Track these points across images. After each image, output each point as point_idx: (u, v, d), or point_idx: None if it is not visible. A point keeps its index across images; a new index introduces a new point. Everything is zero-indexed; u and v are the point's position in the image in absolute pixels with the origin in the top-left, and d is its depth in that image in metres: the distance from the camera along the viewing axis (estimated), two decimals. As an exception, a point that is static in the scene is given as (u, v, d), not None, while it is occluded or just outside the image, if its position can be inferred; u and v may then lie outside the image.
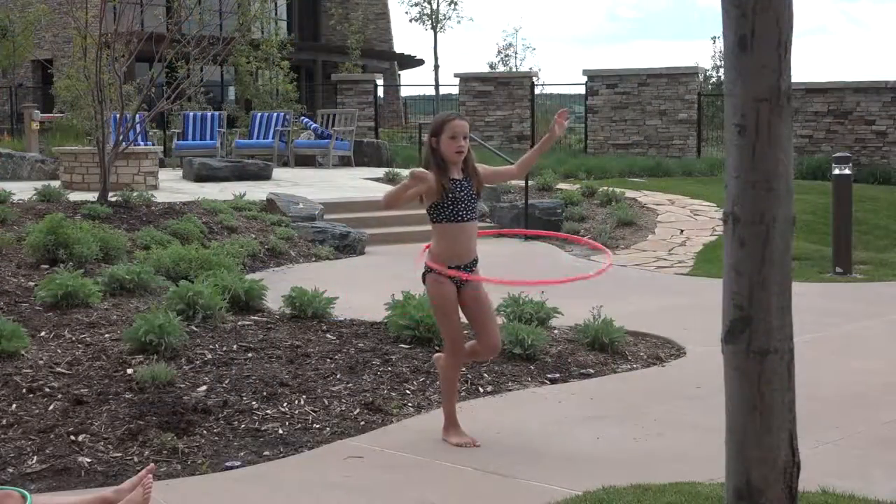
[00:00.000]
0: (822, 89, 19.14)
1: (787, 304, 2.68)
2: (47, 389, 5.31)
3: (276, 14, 30.40)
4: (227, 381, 5.55)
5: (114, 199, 11.34)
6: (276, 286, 7.91)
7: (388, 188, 7.86)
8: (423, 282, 4.80)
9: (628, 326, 6.83)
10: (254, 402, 5.28)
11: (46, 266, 8.21)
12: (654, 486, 4.03)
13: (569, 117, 4.94)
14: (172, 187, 14.46)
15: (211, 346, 6.14)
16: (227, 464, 4.55)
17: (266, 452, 4.71)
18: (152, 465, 3.95)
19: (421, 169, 4.54)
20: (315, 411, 5.23)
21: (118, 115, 12.03)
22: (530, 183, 14.13)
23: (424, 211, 4.79)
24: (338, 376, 5.75)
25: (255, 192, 13.26)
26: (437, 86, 28.03)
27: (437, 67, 28.35)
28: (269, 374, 5.68)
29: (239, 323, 6.80)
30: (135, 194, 11.68)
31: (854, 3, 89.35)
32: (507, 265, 10.16)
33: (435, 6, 28.56)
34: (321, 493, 4.22)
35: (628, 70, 20.90)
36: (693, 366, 6.31)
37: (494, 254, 10.24)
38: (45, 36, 24.94)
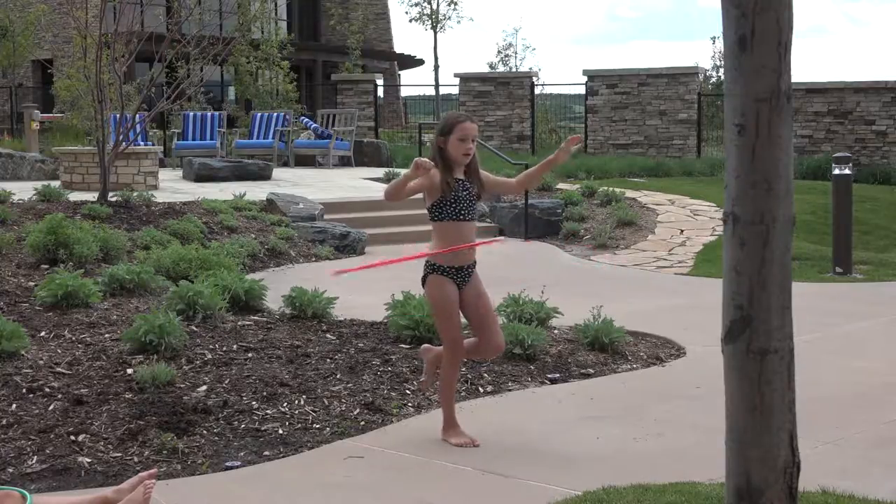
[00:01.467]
0: (822, 89, 19.13)
1: (787, 304, 2.68)
2: (47, 389, 5.31)
3: (276, 14, 30.37)
4: (227, 381, 5.55)
5: (114, 199, 11.34)
6: (276, 286, 7.91)
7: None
8: (423, 284, 4.80)
9: (628, 326, 6.83)
10: (254, 402, 5.28)
11: (46, 266, 8.21)
12: (654, 486, 4.02)
13: (577, 144, 4.85)
14: (172, 187, 14.46)
15: (211, 346, 6.14)
16: (227, 464, 4.55)
17: (266, 452, 4.71)
18: (154, 469, 3.94)
19: (425, 158, 4.53)
20: (315, 411, 5.22)
21: (118, 115, 12.03)
22: (530, 183, 14.11)
23: (424, 211, 4.79)
24: (338, 376, 5.75)
25: (255, 192, 13.26)
26: (437, 86, 27.99)
27: (437, 67, 28.32)
28: (269, 374, 5.68)
29: (239, 323, 6.80)
30: (135, 194, 11.68)
31: (854, 3, 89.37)
32: (507, 265, 10.16)
33: (435, 6, 28.51)
34: (321, 493, 4.22)
35: (628, 70, 20.88)
36: (693, 366, 6.31)
37: (495, 253, 10.25)
38: (45, 36, 24.92)
